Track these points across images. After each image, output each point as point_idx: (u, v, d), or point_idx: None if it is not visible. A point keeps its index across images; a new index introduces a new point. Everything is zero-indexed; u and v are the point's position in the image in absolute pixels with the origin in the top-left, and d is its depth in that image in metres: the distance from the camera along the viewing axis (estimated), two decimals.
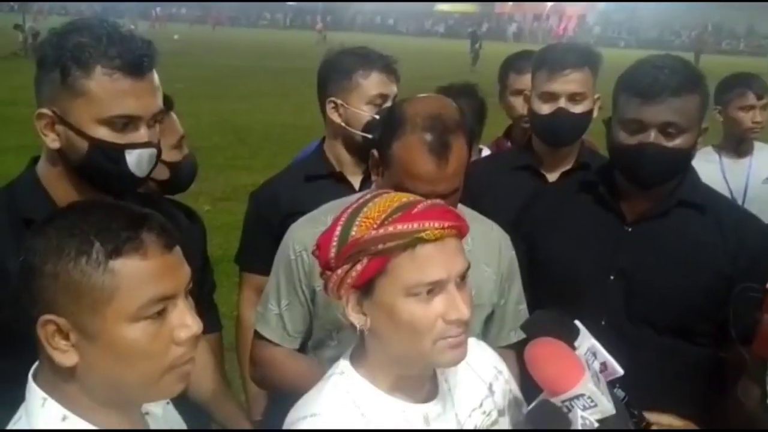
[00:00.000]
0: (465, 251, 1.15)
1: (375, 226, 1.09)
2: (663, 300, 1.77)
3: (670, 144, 1.70)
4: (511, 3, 67.77)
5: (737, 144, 3.28)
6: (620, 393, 1.28)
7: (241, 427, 1.80)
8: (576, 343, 1.28)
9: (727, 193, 2.90)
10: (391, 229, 1.07)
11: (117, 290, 0.95)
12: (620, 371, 1.27)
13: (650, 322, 1.78)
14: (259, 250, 2.07)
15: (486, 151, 2.96)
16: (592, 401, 1.15)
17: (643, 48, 36.34)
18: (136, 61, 1.39)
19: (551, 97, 2.21)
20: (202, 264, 1.93)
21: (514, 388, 1.38)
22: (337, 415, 1.14)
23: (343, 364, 1.22)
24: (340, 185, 2.13)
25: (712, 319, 1.76)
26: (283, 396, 1.46)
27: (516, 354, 1.65)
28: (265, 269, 1.76)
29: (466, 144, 1.52)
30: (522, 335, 1.52)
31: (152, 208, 1.05)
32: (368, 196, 1.17)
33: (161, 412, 1.16)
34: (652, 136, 1.69)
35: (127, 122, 1.40)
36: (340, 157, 2.19)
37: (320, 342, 1.70)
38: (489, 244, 1.70)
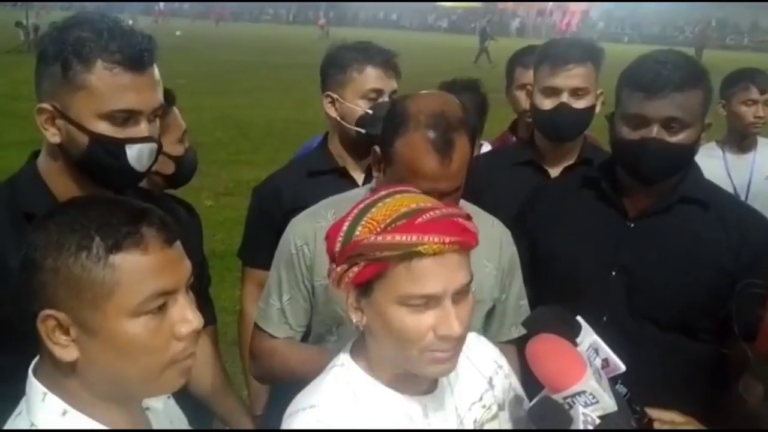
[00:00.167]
0: (468, 264, 1.12)
1: (377, 230, 1.08)
2: (665, 296, 1.76)
3: (673, 139, 1.69)
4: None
5: (740, 139, 3.28)
6: (622, 389, 1.28)
7: (241, 422, 1.80)
8: (578, 340, 1.28)
9: (730, 189, 2.90)
10: (389, 238, 1.06)
11: (117, 285, 0.95)
12: (622, 368, 1.26)
13: (652, 319, 1.78)
14: (261, 245, 2.07)
15: (487, 147, 2.96)
16: (594, 398, 1.15)
17: (646, 43, 36.26)
18: (136, 55, 1.38)
19: (553, 92, 2.20)
20: (202, 259, 1.94)
21: (515, 382, 1.38)
22: (337, 406, 1.15)
23: (344, 357, 1.22)
24: (342, 181, 2.12)
25: (714, 316, 1.76)
26: (283, 391, 1.45)
27: (517, 349, 1.65)
28: (268, 264, 1.76)
29: (469, 141, 1.52)
30: (523, 331, 1.52)
31: (152, 203, 1.05)
32: (383, 192, 1.15)
33: (162, 406, 1.16)
34: (655, 131, 1.68)
35: (128, 117, 1.40)
36: (343, 152, 2.19)
37: (320, 337, 1.70)
38: (490, 239, 1.69)
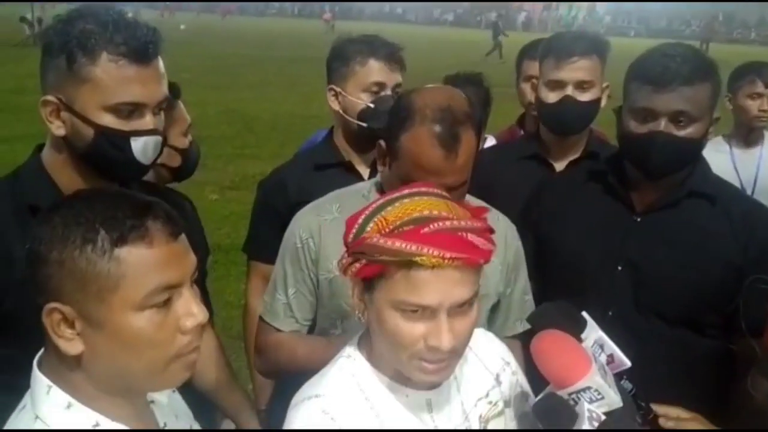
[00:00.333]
0: (472, 281, 1.10)
1: (385, 231, 1.07)
2: (671, 291, 1.75)
3: (681, 133, 1.68)
4: None
5: (747, 134, 3.28)
6: (627, 385, 1.27)
7: (246, 417, 1.80)
8: (583, 335, 1.27)
9: (737, 184, 2.88)
10: (390, 243, 1.05)
11: (122, 278, 0.94)
12: (627, 363, 1.26)
13: (658, 314, 1.77)
14: (267, 238, 2.07)
15: (491, 140, 2.95)
16: (599, 394, 1.14)
17: (653, 37, 36.13)
18: (141, 47, 1.38)
19: (558, 85, 2.19)
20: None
21: (522, 379, 1.37)
22: (341, 397, 1.15)
23: (350, 349, 1.22)
24: (348, 174, 2.12)
25: (721, 311, 1.75)
26: (288, 385, 1.45)
27: (521, 345, 1.64)
28: (273, 258, 1.76)
29: (476, 135, 1.51)
30: (527, 326, 1.51)
31: (157, 196, 1.05)
32: (406, 191, 1.13)
33: (167, 400, 1.16)
34: (663, 125, 1.67)
35: (133, 109, 1.40)
36: (347, 146, 2.18)
37: (324, 331, 1.69)
38: (495, 234, 1.68)
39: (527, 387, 1.37)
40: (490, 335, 1.40)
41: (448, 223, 1.07)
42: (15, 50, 20.19)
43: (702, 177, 1.81)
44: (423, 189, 1.15)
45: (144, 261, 0.95)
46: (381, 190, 1.62)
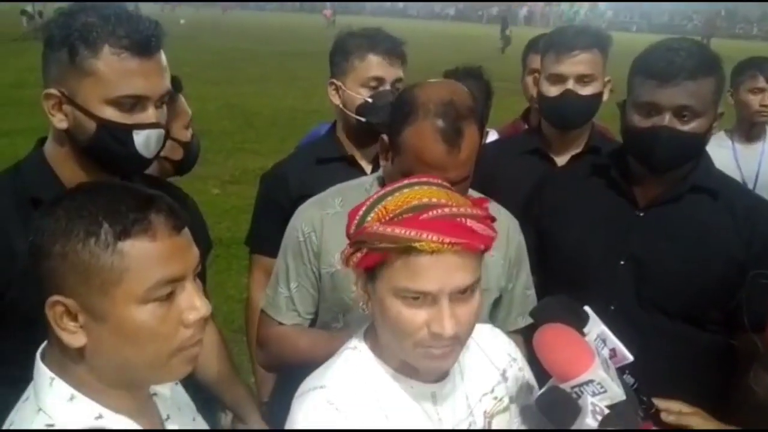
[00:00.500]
0: (473, 266, 1.10)
1: (384, 220, 1.08)
2: (674, 286, 1.75)
3: (685, 128, 1.67)
4: None
5: (749, 129, 3.28)
6: (629, 380, 1.27)
7: (248, 410, 1.80)
8: (585, 330, 1.27)
9: (739, 179, 2.88)
10: (389, 230, 1.06)
11: (126, 272, 0.94)
12: (630, 357, 1.26)
13: (660, 308, 1.77)
14: (269, 232, 2.06)
15: (493, 135, 2.94)
16: (602, 387, 1.14)
17: (655, 32, 36.04)
18: (143, 41, 1.38)
19: (559, 78, 2.19)
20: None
21: (529, 375, 1.37)
22: (346, 388, 1.15)
23: (356, 341, 1.23)
24: (351, 169, 2.12)
25: (723, 306, 1.75)
26: (290, 378, 1.45)
27: (524, 339, 1.64)
28: (275, 251, 1.76)
29: (478, 130, 1.50)
30: (529, 320, 1.51)
31: (160, 190, 1.05)
32: (406, 181, 1.15)
33: (169, 393, 1.16)
34: (667, 119, 1.67)
35: (135, 102, 1.39)
36: (349, 141, 2.18)
37: (326, 325, 1.69)
38: (497, 229, 1.68)
39: (534, 383, 1.37)
40: (497, 331, 1.40)
41: (447, 209, 1.07)
42: (16, 44, 20.16)
43: (705, 172, 1.81)
44: (423, 179, 1.15)
45: (147, 254, 0.95)
46: (383, 184, 1.62)
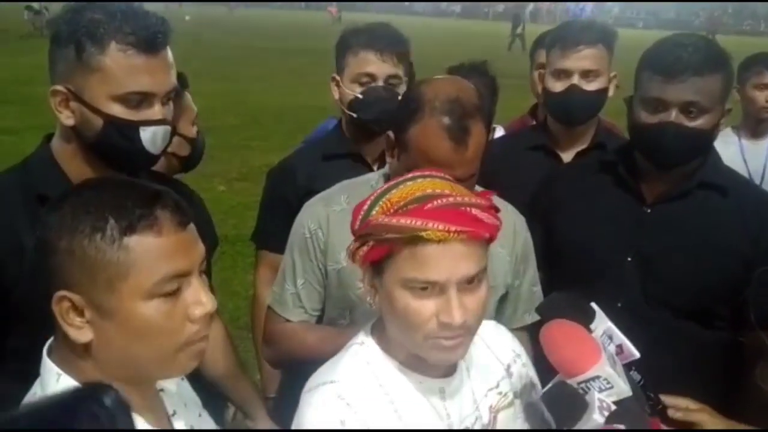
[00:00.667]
0: (479, 255, 1.10)
1: (389, 212, 1.08)
2: (681, 282, 1.75)
3: (692, 124, 1.66)
4: None
5: (755, 125, 3.28)
6: (636, 376, 1.27)
7: (253, 406, 1.81)
8: (592, 326, 1.27)
9: (745, 175, 2.87)
10: (394, 221, 1.06)
11: (132, 267, 0.95)
12: (636, 354, 1.26)
13: (667, 305, 1.76)
14: (275, 228, 2.06)
15: (500, 131, 2.93)
16: (609, 383, 1.14)
17: (661, 28, 35.90)
18: (150, 37, 1.38)
19: (564, 74, 2.18)
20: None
21: (532, 372, 1.37)
22: (355, 383, 1.15)
23: (363, 336, 1.23)
24: (357, 165, 2.11)
25: (730, 303, 1.74)
26: (296, 374, 1.46)
27: (530, 336, 1.64)
28: (282, 247, 1.76)
29: (485, 127, 1.50)
30: (536, 317, 1.51)
31: (166, 186, 1.05)
32: (410, 174, 1.15)
33: (175, 388, 1.16)
34: (674, 115, 1.66)
35: (142, 99, 1.40)
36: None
37: (333, 321, 1.70)
38: (503, 225, 1.67)
39: (536, 380, 1.37)
40: (502, 328, 1.40)
41: (451, 199, 1.08)
42: (21, 42, 20.21)
43: (713, 168, 1.80)
44: (426, 173, 1.16)
45: (153, 250, 0.95)
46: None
